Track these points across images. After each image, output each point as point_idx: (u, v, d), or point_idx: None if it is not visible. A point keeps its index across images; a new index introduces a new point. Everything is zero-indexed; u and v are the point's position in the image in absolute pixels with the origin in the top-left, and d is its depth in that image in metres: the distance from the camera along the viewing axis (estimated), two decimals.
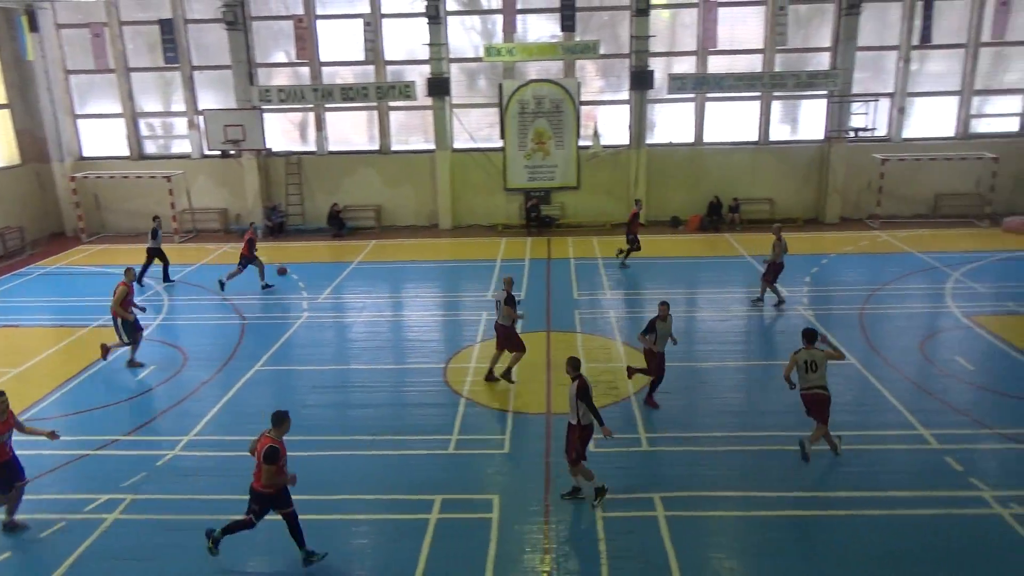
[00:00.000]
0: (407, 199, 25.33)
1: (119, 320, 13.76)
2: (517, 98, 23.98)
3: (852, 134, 23.56)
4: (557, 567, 8.39)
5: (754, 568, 8.36)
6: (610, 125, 24.45)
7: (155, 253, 19.02)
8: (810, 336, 10.47)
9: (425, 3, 23.06)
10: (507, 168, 24.65)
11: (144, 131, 25.83)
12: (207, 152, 24.79)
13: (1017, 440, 10.72)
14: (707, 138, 24.79)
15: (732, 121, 24.67)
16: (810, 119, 24.71)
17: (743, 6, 23.71)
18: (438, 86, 23.76)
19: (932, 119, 24.58)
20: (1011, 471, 10.06)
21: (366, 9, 23.96)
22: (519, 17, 23.57)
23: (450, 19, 24.05)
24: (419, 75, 24.09)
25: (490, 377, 13.06)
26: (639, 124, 23.91)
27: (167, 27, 23.89)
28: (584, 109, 24.34)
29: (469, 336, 15.45)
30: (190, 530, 8.78)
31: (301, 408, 12.34)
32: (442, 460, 10.72)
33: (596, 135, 23.92)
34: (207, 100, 24.99)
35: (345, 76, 24.92)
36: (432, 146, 24.65)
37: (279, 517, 8.31)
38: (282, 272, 19.46)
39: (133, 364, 14.05)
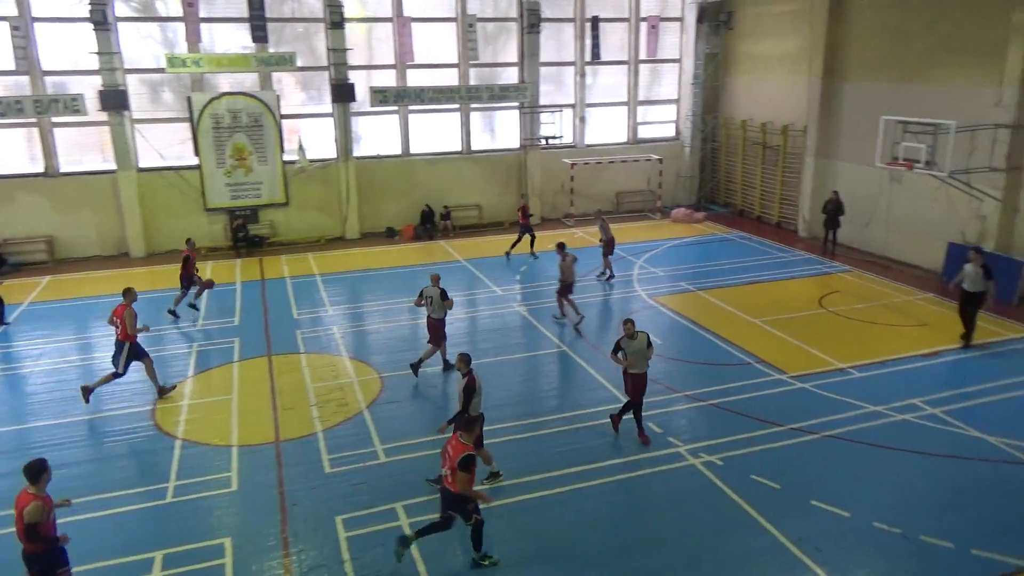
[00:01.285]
0: (87, 227, 22.30)
1: (127, 346, 12.46)
2: (210, 112, 22.37)
3: (543, 142, 25.75)
4: None
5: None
6: (315, 139, 23.83)
7: None
8: (561, 246, 16.13)
9: (89, 7, 20.51)
10: (205, 187, 22.88)
11: None
12: None
13: (698, 399, 12.48)
14: (414, 149, 25.34)
15: (436, 132, 25.50)
16: (506, 129, 26.43)
17: (435, 22, 24.61)
18: (113, 99, 21.27)
19: (608, 127, 27.73)
20: (697, 426, 11.68)
21: (12, 11, 20.65)
22: (204, 26, 21.99)
23: (122, 26, 21.67)
24: (89, 87, 21.33)
25: (418, 367, 13.45)
26: (345, 137, 23.68)
27: None
28: (286, 123, 23.44)
29: (178, 372, 14.03)
30: None
31: None
32: (159, 512, 9.59)
33: (301, 149, 23.17)
34: None
35: None
36: (113, 166, 22.01)
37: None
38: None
39: (88, 388, 12.62)
